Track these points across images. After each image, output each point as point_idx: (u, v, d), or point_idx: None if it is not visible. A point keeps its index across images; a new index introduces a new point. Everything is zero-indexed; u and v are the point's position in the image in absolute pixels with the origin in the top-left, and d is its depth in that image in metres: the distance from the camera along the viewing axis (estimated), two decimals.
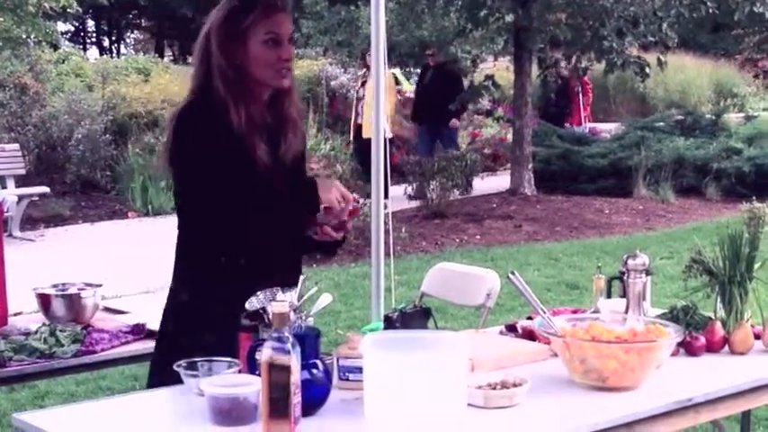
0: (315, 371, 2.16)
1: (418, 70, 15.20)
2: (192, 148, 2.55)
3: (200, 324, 2.55)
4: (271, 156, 2.57)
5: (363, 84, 11.95)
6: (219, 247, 2.56)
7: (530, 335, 2.81)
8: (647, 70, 11.68)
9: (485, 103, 14.91)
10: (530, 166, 11.89)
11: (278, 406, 1.94)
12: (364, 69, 12.13)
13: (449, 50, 12.60)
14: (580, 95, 14.50)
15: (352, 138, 12.28)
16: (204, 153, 2.52)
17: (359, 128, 11.82)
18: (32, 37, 14.07)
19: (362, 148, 11.54)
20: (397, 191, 10.39)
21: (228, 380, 2.21)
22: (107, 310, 3.52)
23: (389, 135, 4.53)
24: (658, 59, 11.83)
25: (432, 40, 14.07)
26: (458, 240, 9.43)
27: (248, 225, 2.51)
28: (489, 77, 12.60)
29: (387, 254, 4.47)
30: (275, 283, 2.37)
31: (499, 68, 17.20)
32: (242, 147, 2.53)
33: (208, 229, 2.55)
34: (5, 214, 9.70)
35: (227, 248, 2.56)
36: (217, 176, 2.51)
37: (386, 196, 4.66)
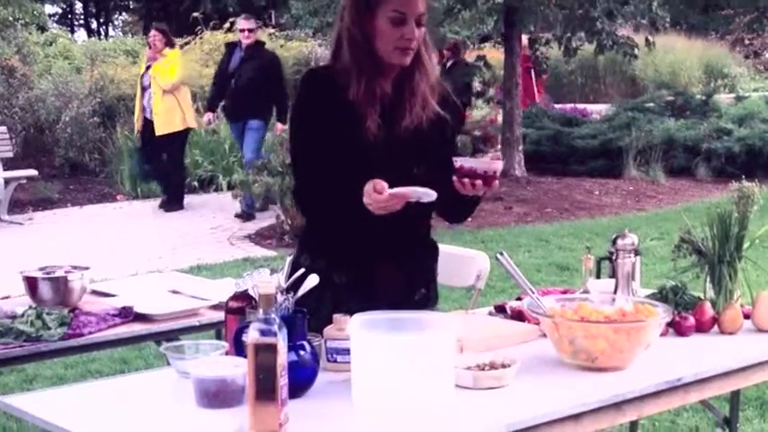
0: (302, 352, 2.15)
1: None
2: (300, 107, 2.66)
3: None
4: (384, 129, 2.57)
5: (148, 69, 9.88)
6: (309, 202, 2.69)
7: (519, 315, 2.80)
8: (636, 51, 11.67)
9: (475, 84, 14.88)
10: (520, 147, 11.88)
11: (265, 388, 1.92)
12: (147, 50, 10.16)
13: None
14: (533, 76, 14.36)
15: (138, 134, 10.28)
16: (309, 114, 2.61)
17: (148, 123, 9.84)
18: (20, 19, 13.98)
19: (153, 147, 9.90)
20: None
21: (215, 362, 2.19)
22: (95, 293, 3.50)
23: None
24: (646, 40, 11.82)
25: None
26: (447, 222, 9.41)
27: (344, 190, 2.52)
28: (481, 58, 12.56)
29: None
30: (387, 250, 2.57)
31: (489, 50, 17.14)
32: (354, 116, 2.54)
33: (297, 184, 2.67)
34: None
35: (320, 206, 2.65)
36: (314, 138, 2.57)
37: None
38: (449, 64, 13.57)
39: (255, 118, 9.45)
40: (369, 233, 2.58)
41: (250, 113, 9.43)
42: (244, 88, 9.34)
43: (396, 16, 2.52)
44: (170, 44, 9.92)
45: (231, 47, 9.89)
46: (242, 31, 9.66)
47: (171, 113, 9.72)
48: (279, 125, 9.48)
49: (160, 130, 9.72)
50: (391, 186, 2.44)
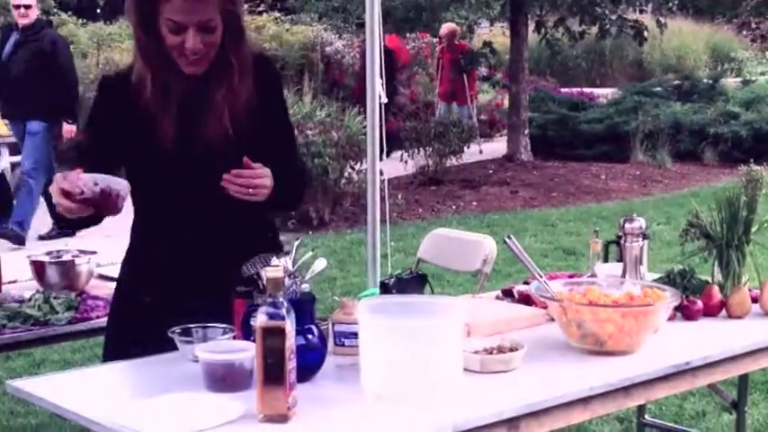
0: (310, 336, 2.15)
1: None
2: (90, 113, 2.62)
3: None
4: (183, 135, 2.41)
5: None
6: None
7: (526, 299, 2.80)
8: (645, 34, 11.62)
9: (482, 69, 14.83)
10: (526, 131, 11.86)
11: (273, 372, 1.92)
12: None
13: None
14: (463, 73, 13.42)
15: None
16: (98, 119, 2.58)
17: None
18: None
19: None
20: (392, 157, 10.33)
21: (223, 346, 2.19)
22: (102, 277, 3.50)
23: (384, 100, 4.43)
24: (658, 21, 11.75)
25: (427, 5, 13.82)
26: (454, 207, 9.41)
27: (145, 196, 2.53)
28: (488, 44, 12.53)
29: (383, 220, 4.45)
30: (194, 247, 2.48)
31: (495, 34, 17.10)
32: (149, 121, 2.40)
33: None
34: None
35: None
36: (96, 141, 2.53)
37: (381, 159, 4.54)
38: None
39: (34, 118, 7.62)
40: (180, 249, 2.51)
41: (28, 112, 7.63)
42: (19, 79, 7.53)
43: (171, 25, 2.33)
44: None
45: (8, 28, 7.91)
46: (17, 7, 7.59)
47: None
48: (65, 126, 7.72)
49: None
50: (197, 196, 2.40)
